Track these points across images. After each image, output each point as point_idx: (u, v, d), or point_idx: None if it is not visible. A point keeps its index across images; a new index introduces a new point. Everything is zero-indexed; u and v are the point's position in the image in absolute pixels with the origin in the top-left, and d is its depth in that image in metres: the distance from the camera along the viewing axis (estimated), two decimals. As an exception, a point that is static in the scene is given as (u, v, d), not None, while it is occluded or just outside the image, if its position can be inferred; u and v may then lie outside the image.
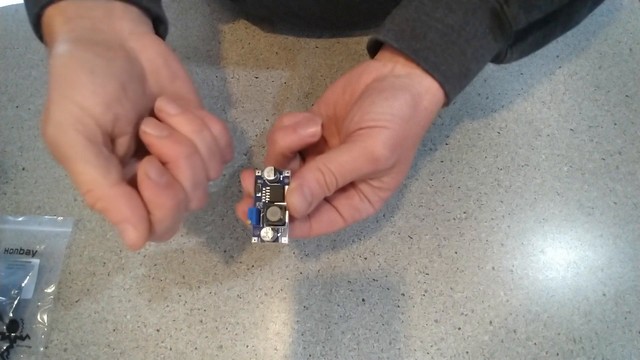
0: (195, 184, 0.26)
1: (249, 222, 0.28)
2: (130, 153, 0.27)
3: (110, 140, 0.25)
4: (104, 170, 0.23)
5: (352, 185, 0.31)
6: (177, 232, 0.27)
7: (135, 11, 0.29)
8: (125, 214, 0.24)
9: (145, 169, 0.24)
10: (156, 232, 0.25)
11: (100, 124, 0.24)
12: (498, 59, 0.34)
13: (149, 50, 0.28)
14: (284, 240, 0.28)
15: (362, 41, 0.51)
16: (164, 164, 0.25)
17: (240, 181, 0.38)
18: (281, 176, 0.29)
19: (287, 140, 0.29)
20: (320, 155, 0.28)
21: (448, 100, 0.30)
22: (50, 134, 0.23)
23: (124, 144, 0.26)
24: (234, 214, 0.42)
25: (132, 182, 0.25)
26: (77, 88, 0.24)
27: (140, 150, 0.27)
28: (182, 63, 0.30)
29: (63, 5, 0.27)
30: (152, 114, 0.27)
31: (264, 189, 0.29)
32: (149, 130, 0.25)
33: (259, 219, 0.28)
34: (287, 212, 0.28)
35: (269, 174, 0.28)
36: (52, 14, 0.27)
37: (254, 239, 0.28)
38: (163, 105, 0.27)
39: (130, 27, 0.28)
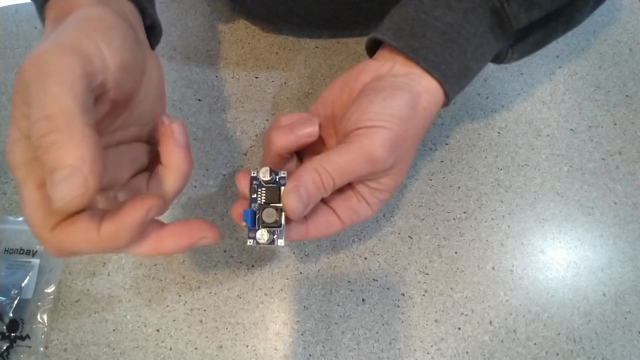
0: (172, 197, 0.27)
1: (243, 224, 0.27)
2: None
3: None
4: (84, 107, 0.20)
5: (349, 186, 0.31)
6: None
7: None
8: (84, 155, 0.19)
9: (177, 129, 0.26)
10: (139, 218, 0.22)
11: (100, 79, 0.22)
12: (499, 59, 0.34)
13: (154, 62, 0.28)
14: (280, 242, 0.28)
15: (362, 41, 0.51)
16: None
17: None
18: (277, 177, 0.28)
19: (284, 140, 0.29)
20: (317, 156, 0.28)
21: (448, 100, 0.30)
22: (44, 49, 0.20)
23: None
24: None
25: None
26: (104, 37, 0.22)
27: None
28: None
29: None
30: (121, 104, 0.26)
31: (259, 190, 0.28)
32: (177, 135, 0.26)
33: (254, 221, 0.28)
34: (283, 213, 0.28)
35: (264, 175, 0.28)
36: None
37: (249, 242, 0.28)
38: (176, 131, 0.27)
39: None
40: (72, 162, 0.19)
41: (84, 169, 0.19)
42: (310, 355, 0.37)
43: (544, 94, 0.47)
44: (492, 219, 0.42)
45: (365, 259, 0.41)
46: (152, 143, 0.29)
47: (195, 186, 0.43)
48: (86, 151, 0.19)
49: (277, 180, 0.28)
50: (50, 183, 0.19)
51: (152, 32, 0.31)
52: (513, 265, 0.40)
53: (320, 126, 0.30)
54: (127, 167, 0.27)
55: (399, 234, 0.41)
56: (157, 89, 0.28)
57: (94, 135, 0.20)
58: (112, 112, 0.25)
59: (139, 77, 0.26)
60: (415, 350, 0.38)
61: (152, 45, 0.32)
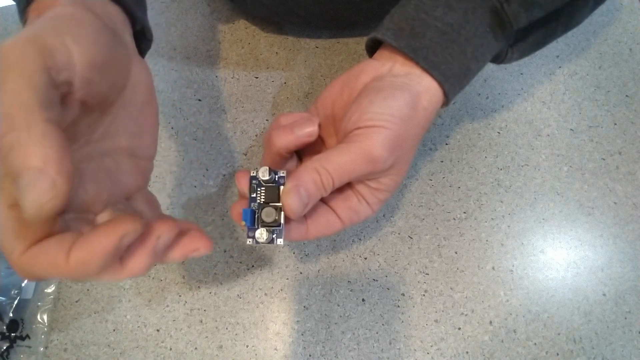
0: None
1: (243, 223, 0.27)
2: None
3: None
4: (44, 101, 0.18)
5: (349, 186, 0.31)
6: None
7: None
8: (47, 155, 0.17)
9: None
10: None
11: (65, 75, 0.20)
12: (498, 59, 0.34)
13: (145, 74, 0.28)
14: (280, 241, 0.28)
15: (362, 41, 0.51)
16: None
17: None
18: (276, 176, 0.28)
19: (284, 140, 0.29)
20: (317, 155, 0.28)
21: (447, 100, 0.30)
22: (4, 44, 0.19)
23: None
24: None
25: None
26: (72, 34, 0.21)
27: None
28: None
29: None
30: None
31: (259, 189, 0.28)
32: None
33: (254, 220, 0.28)
34: (282, 213, 0.28)
35: (264, 174, 0.28)
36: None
37: (249, 241, 0.28)
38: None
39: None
40: (35, 163, 0.17)
41: (49, 170, 0.17)
42: (310, 355, 0.37)
43: (544, 94, 0.47)
44: (492, 219, 0.42)
45: (365, 259, 0.41)
46: (144, 158, 0.28)
47: (195, 186, 0.43)
48: (49, 150, 0.17)
49: (277, 179, 0.28)
50: (18, 189, 0.17)
51: (143, 37, 0.31)
52: (513, 265, 0.40)
53: (320, 126, 0.30)
54: (110, 184, 0.25)
55: (399, 234, 0.41)
56: (144, 96, 0.27)
57: (57, 131, 0.18)
58: (86, 116, 0.24)
59: (118, 79, 0.25)
60: (415, 350, 0.37)
61: (144, 51, 0.31)
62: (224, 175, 0.44)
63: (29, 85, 0.18)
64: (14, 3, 0.29)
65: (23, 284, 0.39)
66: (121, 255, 0.21)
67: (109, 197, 0.25)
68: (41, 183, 0.17)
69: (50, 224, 0.21)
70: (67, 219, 0.22)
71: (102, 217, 0.24)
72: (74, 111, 0.23)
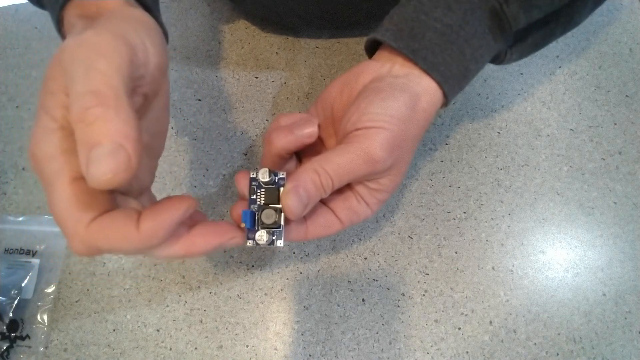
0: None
1: (243, 225, 0.27)
2: None
3: None
4: (128, 90, 0.20)
5: (349, 187, 0.31)
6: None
7: None
8: (129, 134, 0.19)
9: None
10: None
11: (141, 72, 0.22)
12: (498, 60, 0.34)
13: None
14: (280, 243, 0.28)
15: (362, 41, 0.51)
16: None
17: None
18: (276, 178, 0.28)
19: (283, 140, 0.29)
20: (316, 157, 0.28)
21: (447, 100, 0.30)
22: (92, 33, 0.20)
23: None
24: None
25: None
26: (148, 36, 0.23)
27: None
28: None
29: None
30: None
31: (258, 191, 0.28)
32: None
33: (254, 222, 0.28)
34: (282, 214, 0.28)
35: (263, 176, 0.28)
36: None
37: (249, 242, 0.28)
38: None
39: None
40: (117, 137, 0.19)
41: (127, 147, 0.19)
42: (310, 355, 0.37)
43: (544, 94, 0.47)
44: (492, 219, 0.42)
45: (365, 259, 0.41)
46: (154, 158, 0.29)
47: (195, 186, 0.43)
48: (131, 130, 0.19)
49: (277, 181, 0.28)
50: (89, 159, 0.18)
51: None
52: (513, 265, 0.40)
53: (319, 127, 0.30)
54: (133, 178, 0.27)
55: (399, 234, 0.41)
56: (165, 100, 0.28)
57: (137, 118, 0.20)
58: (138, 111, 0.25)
59: (164, 81, 0.26)
60: (415, 350, 0.38)
61: None
62: (224, 175, 0.44)
63: (118, 73, 0.20)
64: (14, 3, 0.29)
65: (23, 284, 0.39)
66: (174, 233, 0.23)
67: (135, 189, 0.26)
68: (119, 155, 0.19)
69: (113, 198, 0.23)
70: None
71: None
72: (139, 102, 0.24)
